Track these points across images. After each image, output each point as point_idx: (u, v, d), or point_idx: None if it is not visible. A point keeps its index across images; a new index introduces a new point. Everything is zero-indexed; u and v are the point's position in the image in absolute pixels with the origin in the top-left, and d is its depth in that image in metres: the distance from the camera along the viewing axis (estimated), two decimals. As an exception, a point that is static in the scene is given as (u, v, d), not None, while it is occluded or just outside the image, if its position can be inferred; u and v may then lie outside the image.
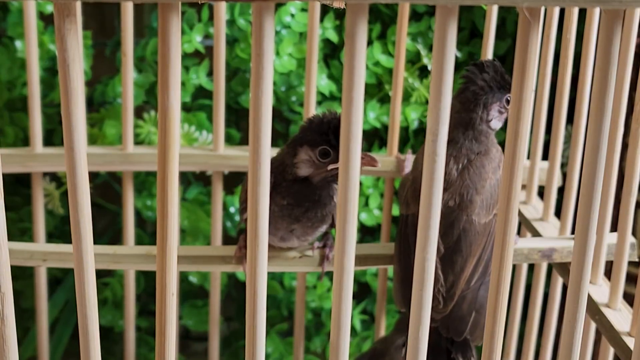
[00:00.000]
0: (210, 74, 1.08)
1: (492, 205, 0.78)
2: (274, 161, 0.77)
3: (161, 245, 0.56)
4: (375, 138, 1.13)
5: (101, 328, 0.63)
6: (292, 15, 1.06)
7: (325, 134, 0.74)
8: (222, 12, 0.95)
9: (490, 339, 0.61)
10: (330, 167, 0.75)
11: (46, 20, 1.06)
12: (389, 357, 0.93)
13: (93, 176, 1.10)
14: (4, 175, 0.55)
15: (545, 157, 0.96)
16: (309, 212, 0.78)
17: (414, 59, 1.08)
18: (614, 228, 0.81)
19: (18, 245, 0.81)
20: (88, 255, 0.55)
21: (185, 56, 1.07)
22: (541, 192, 0.96)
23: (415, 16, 1.09)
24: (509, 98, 0.80)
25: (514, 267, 1.00)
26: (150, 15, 1.10)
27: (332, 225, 0.80)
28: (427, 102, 1.07)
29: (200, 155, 0.99)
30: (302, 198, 0.77)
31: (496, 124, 0.81)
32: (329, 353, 0.88)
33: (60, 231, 1.13)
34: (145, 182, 1.12)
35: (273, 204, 0.76)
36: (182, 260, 0.81)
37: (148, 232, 1.15)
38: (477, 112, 0.80)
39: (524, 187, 0.97)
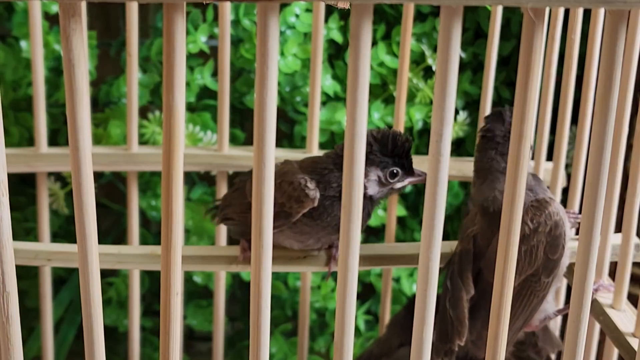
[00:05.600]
0: (214, 74, 1.08)
1: (517, 275, 0.72)
2: (314, 175, 0.77)
3: (166, 245, 0.56)
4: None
5: (106, 328, 0.63)
6: (297, 16, 1.06)
7: (399, 157, 0.76)
8: (227, 12, 0.95)
9: (493, 340, 0.61)
10: (398, 185, 0.77)
11: (51, 20, 1.06)
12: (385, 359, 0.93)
13: (98, 176, 1.10)
14: (9, 175, 0.56)
15: (549, 157, 0.96)
16: None
17: (418, 60, 1.08)
18: (618, 229, 0.81)
19: (23, 244, 0.81)
20: (93, 255, 0.55)
21: (190, 56, 1.07)
22: (545, 193, 0.95)
23: (419, 17, 1.09)
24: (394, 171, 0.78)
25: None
26: (155, 15, 1.10)
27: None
28: (431, 102, 1.07)
29: (204, 156, 0.99)
30: None
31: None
32: (332, 353, 0.88)
33: (65, 231, 1.14)
34: (150, 182, 1.12)
35: (320, 219, 0.77)
36: (187, 260, 0.81)
37: (152, 232, 1.15)
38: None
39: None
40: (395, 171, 0.77)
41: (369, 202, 0.78)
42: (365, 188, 0.76)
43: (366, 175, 0.76)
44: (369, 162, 0.76)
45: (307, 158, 0.81)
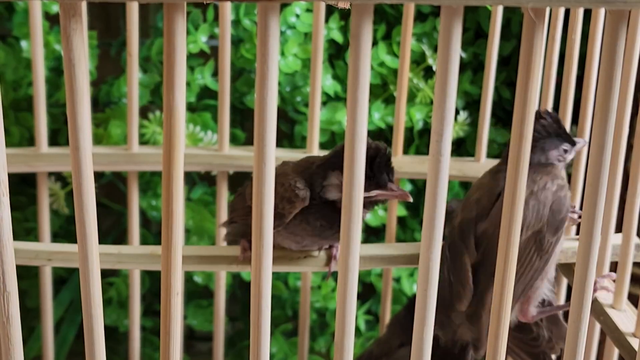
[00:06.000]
0: (215, 74, 1.08)
1: (524, 229, 0.77)
2: (304, 175, 0.77)
3: (166, 245, 0.56)
4: (380, 138, 1.12)
5: (106, 328, 0.63)
6: (297, 16, 1.06)
7: (370, 167, 0.73)
8: (227, 12, 0.95)
9: (494, 340, 0.61)
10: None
11: (52, 20, 1.06)
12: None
13: (98, 176, 1.10)
14: (9, 175, 0.56)
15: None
16: (339, 233, 0.78)
17: (418, 60, 1.08)
18: (618, 229, 0.81)
19: (23, 244, 0.81)
20: (93, 255, 0.55)
21: (190, 56, 1.08)
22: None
23: (420, 17, 1.09)
24: (565, 148, 0.81)
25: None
26: (156, 15, 1.10)
27: None
28: (432, 102, 1.07)
29: (205, 156, 0.99)
30: (334, 221, 0.76)
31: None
32: (333, 353, 0.88)
33: (65, 231, 1.14)
34: (150, 182, 1.12)
35: (305, 222, 0.77)
36: (187, 260, 0.81)
37: (153, 232, 1.15)
38: (536, 154, 0.80)
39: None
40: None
41: (333, 209, 0.75)
42: (326, 191, 0.76)
43: (326, 177, 0.76)
44: (332, 165, 0.75)
45: (305, 158, 0.81)
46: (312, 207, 0.76)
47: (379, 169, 0.74)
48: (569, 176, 0.93)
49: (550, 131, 0.81)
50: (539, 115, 0.81)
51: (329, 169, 0.76)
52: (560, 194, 0.79)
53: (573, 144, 0.82)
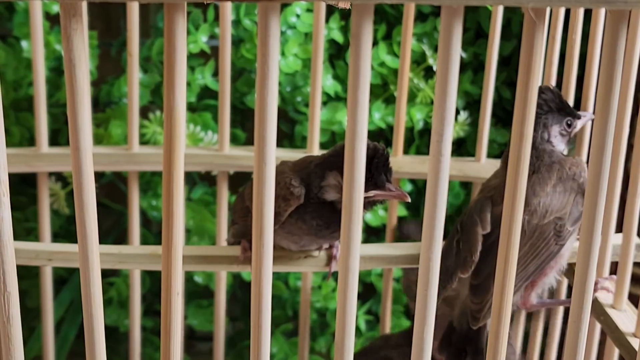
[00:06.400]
0: (215, 74, 1.08)
1: (548, 212, 0.78)
2: (301, 174, 0.76)
3: (166, 245, 0.56)
4: (380, 138, 1.13)
5: (106, 328, 0.63)
6: (298, 16, 1.06)
7: (368, 168, 0.72)
8: (228, 12, 0.95)
9: (495, 339, 0.61)
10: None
11: (52, 20, 1.06)
12: (385, 351, 0.93)
13: (98, 176, 1.10)
14: (10, 175, 0.56)
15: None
16: (336, 232, 0.77)
17: (419, 60, 1.08)
18: (619, 229, 0.81)
19: (24, 244, 0.81)
20: (93, 255, 0.55)
21: (190, 56, 1.08)
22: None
23: (420, 17, 1.09)
24: (569, 122, 0.82)
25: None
26: (156, 15, 1.10)
27: None
28: (432, 102, 1.07)
29: (205, 156, 0.99)
30: (332, 220, 0.76)
31: (559, 144, 0.82)
32: (333, 353, 0.88)
33: (65, 231, 1.14)
34: (151, 182, 1.12)
35: (301, 221, 0.77)
36: (188, 260, 0.81)
37: (153, 232, 1.15)
38: (538, 131, 0.80)
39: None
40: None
41: (331, 209, 0.75)
42: (324, 192, 0.76)
43: (324, 177, 0.75)
44: (329, 165, 0.75)
45: (304, 157, 0.81)
46: (308, 206, 0.76)
47: (377, 170, 0.73)
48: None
49: (552, 106, 0.81)
50: (540, 91, 0.81)
51: (326, 168, 0.75)
52: (585, 187, 0.79)
53: (577, 117, 0.82)
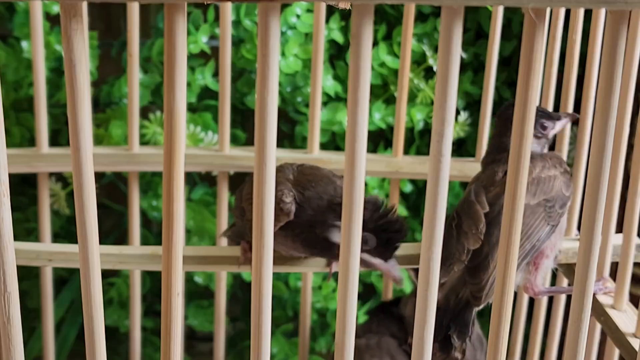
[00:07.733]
0: (216, 74, 1.08)
1: (539, 192, 0.79)
2: (304, 189, 0.75)
3: (167, 245, 0.56)
4: (380, 139, 1.13)
5: (107, 328, 0.63)
6: (298, 16, 1.06)
7: (381, 230, 0.72)
8: (228, 12, 0.95)
9: (495, 339, 0.61)
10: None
11: (52, 20, 1.06)
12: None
13: (99, 176, 1.10)
14: (10, 175, 0.56)
15: (550, 157, 0.95)
16: (324, 254, 0.78)
17: (419, 60, 1.08)
18: (619, 229, 0.81)
19: (24, 245, 0.81)
20: (94, 256, 0.55)
21: (191, 57, 1.08)
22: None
23: (420, 17, 1.09)
24: (543, 123, 0.82)
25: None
26: (157, 15, 1.10)
27: None
28: (432, 103, 1.07)
29: (205, 156, 0.99)
30: (316, 246, 0.76)
31: (534, 147, 0.82)
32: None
33: (66, 231, 1.14)
34: (151, 183, 1.12)
35: (290, 240, 0.76)
36: (188, 260, 0.81)
37: (154, 232, 1.15)
38: (509, 136, 0.81)
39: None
40: (365, 239, 0.71)
41: (330, 246, 0.74)
42: (327, 232, 0.74)
43: (331, 221, 0.74)
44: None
45: (312, 169, 0.79)
46: (297, 227, 0.74)
47: (390, 242, 0.73)
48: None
49: None
50: (509, 104, 0.83)
51: (338, 218, 0.72)
52: (567, 176, 0.81)
53: (554, 119, 0.83)
